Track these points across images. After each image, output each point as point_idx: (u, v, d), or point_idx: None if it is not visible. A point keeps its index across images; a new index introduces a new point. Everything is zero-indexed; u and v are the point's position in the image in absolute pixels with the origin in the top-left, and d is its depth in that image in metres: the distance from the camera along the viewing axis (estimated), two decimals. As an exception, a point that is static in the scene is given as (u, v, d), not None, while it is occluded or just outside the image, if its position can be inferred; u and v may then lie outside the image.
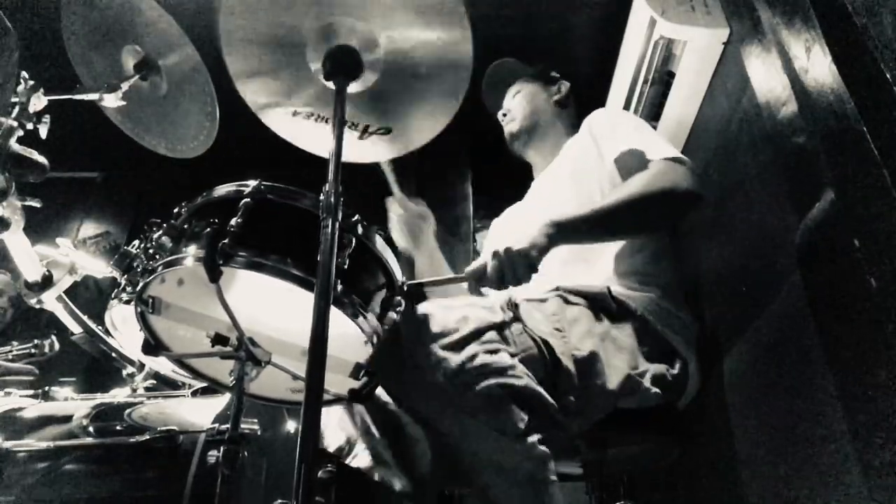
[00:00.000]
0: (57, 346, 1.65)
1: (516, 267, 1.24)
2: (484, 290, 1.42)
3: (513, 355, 1.16)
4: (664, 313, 1.46)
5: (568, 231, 1.35)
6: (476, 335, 1.15)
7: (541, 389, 1.13)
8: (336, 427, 1.35)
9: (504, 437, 1.06)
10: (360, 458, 1.28)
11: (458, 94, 1.24)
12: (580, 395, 1.19)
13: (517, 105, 2.00)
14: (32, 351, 1.64)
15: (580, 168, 1.71)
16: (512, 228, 1.88)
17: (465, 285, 1.36)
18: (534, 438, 1.07)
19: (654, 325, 1.41)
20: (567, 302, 1.40)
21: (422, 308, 1.20)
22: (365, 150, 1.37)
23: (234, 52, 1.21)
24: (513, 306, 1.28)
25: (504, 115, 2.03)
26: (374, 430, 1.34)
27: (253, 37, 1.19)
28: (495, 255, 1.26)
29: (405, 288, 1.13)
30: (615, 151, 1.58)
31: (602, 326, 1.35)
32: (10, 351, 1.63)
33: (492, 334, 1.17)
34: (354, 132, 1.31)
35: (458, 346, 1.12)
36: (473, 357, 1.10)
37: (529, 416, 1.08)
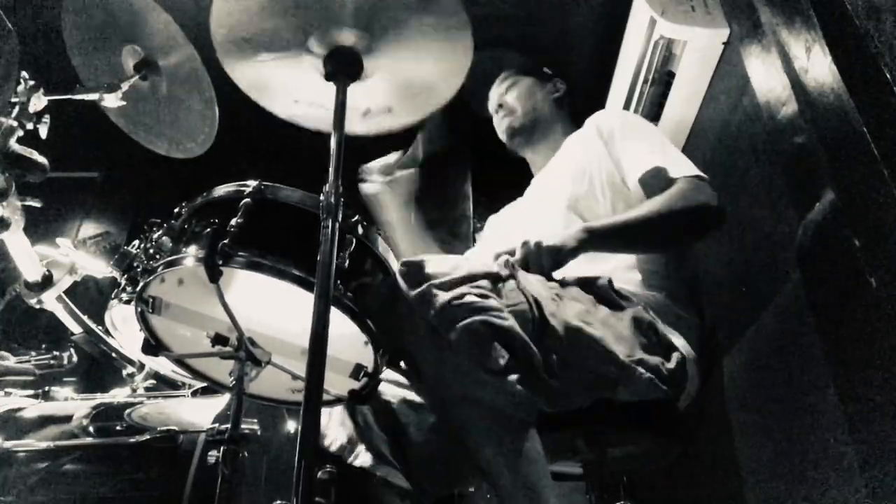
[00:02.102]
0: (75, 358, 1.64)
1: (543, 259, 1.30)
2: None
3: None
4: (667, 312, 1.46)
5: (599, 239, 1.40)
6: (469, 279, 1.16)
7: (525, 337, 1.13)
8: (338, 426, 1.37)
9: (485, 375, 1.07)
10: (362, 458, 1.31)
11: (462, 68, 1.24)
12: (564, 358, 1.18)
13: (514, 100, 1.95)
14: (51, 362, 1.64)
15: (582, 167, 1.70)
16: (511, 227, 1.87)
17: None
18: (513, 377, 1.09)
19: (655, 321, 1.40)
20: (568, 285, 1.40)
21: (418, 256, 1.21)
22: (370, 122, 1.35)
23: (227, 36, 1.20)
24: (511, 266, 1.28)
25: (498, 108, 1.99)
26: (375, 429, 1.36)
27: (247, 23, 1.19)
28: (525, 244, 1.32)
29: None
30: (637, 167, 1.56)
31: (601, 312, 1.35)
32: (28, 361, 1.63)
33: (485, 282, 1.18)
34: (356, 111, 1.30)
35: (449, 285, 1.13)
36: (462, 296, 1.11)
37: (510, 355, 1.10)
